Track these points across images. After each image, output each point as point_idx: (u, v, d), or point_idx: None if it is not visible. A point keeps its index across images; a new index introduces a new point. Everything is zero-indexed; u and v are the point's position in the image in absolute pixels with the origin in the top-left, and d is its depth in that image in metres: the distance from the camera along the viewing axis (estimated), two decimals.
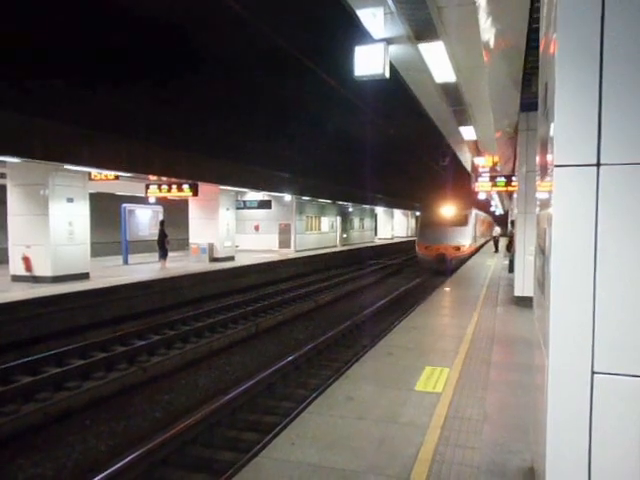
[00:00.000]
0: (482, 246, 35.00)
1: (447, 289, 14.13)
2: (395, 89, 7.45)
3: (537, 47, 4.46)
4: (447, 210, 25.26)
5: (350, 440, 4.30)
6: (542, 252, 3.05)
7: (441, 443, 4.17)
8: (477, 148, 17.71)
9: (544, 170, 3.05)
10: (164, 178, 17.99)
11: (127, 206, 21.11)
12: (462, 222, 24.77)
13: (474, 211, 26.48)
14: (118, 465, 5.29)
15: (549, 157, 2.76)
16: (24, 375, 8.50)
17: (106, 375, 8.77)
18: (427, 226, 25.15)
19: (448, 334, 8.25)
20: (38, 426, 6.80)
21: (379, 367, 6.40)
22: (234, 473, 4.59)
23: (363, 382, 5.79)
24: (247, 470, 3.89)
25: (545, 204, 3.03)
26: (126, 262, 20.04)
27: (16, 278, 14.23)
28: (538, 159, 3.41)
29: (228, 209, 22.82)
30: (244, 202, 27.87)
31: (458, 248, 23.69)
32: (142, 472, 5.44)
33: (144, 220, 22.51)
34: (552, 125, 2.64)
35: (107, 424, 6.94)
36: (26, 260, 14.12)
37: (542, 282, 2.94)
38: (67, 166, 13.64)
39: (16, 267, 14.33)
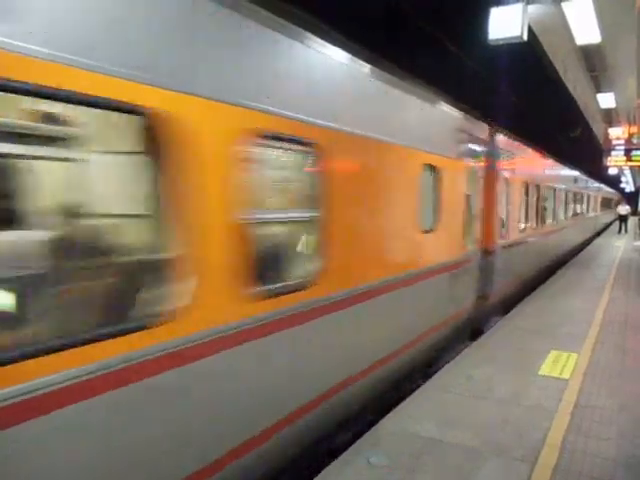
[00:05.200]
0: None
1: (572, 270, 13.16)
2: (526, 55, 6.93)
3: None
4: None
5: (470, 418, 4.21)
6: None
7: (571, 431, 3.94)
8: (611, 118, 16.15)
9: None
10: None
11: None
12: None
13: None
14: None
15: None
16: None
17: None
18: None
19: (575, 317, 7.71)
20: None
21: (500, 348, 6.17)
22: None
23: (483, 362, 5.61)
24: (365, 438, 3.95)
25: None
26: None
27: None
28: None
29: None
30: None
31: None
32: None
33: None
34: None
35: None
36: None
37: None
38: None
39: None
